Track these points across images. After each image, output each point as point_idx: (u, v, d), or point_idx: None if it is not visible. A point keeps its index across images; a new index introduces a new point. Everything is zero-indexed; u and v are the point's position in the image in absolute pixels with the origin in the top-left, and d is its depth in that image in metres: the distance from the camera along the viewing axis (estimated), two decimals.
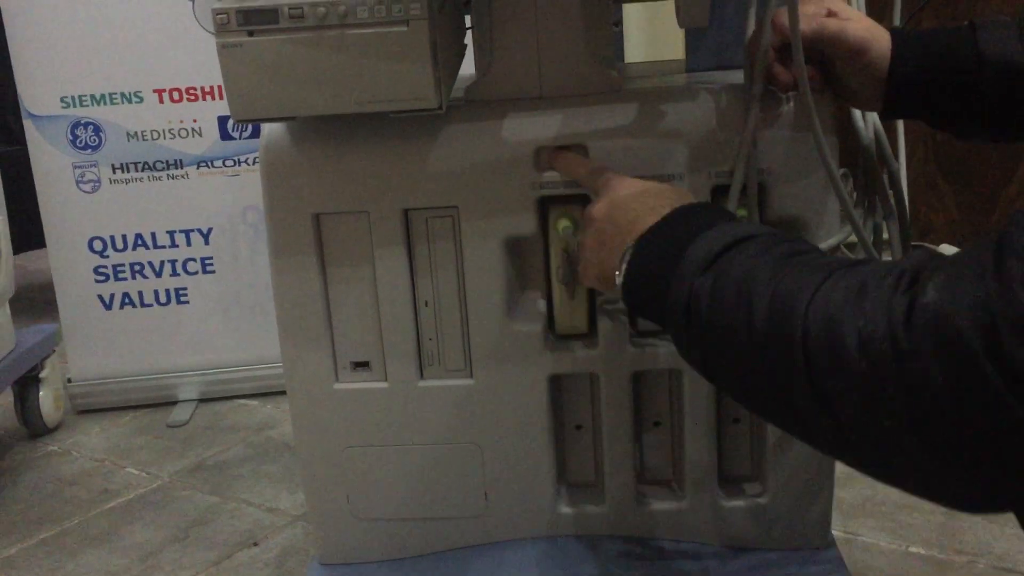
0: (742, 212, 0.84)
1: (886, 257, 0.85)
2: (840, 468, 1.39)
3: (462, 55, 0.98)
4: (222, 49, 0.77)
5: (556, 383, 0.93)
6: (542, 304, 0.92)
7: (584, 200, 0.87)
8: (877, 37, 0.78)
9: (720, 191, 0.86)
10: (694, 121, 0.85)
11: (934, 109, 0.79)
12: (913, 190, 2.01)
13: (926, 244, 2.04)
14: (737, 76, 0.86)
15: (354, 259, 0.90)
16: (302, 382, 0.93)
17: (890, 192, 0.87)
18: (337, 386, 0.93)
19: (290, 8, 0.77)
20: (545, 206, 0.88)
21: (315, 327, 0.91)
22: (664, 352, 0.90)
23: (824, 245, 0.84)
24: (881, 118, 0.84)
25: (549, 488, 0.95)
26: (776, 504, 0.93)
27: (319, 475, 0.95)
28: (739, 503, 0.94)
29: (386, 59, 0.77)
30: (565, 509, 0.95)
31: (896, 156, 0.89)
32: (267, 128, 0.88)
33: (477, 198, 0.87)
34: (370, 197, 0.87)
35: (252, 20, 0.77)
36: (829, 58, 0.80)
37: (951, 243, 1.99)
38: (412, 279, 0.90)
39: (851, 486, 1.35)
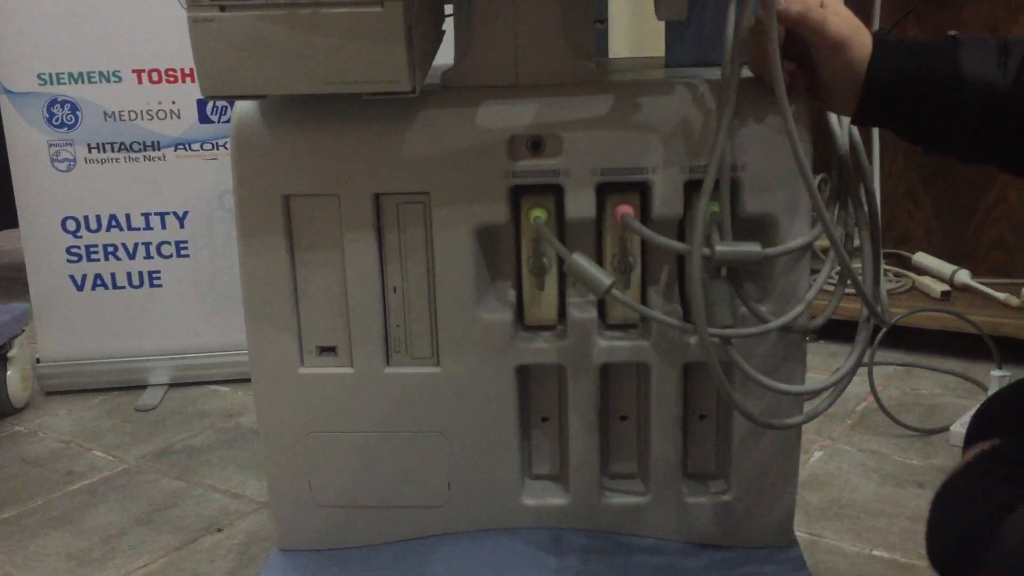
0: (714, 208, 0.84)
1: (856, 264, 0.85)
2: (807, 473, 1.39)
3: (439, 41, 0.97)
4: (193, 23, 0.76)
5: (523, 374, 0.93)
6: (511, 294, 0.91)
7: (556, 191, 0.87)
8: (859, 37, 0.78)
9: (694, 186, 0.85)
10: (670, 115, 0.85)
11: (906, 121, 0.79)
12: (892, 198, 2.02)
13: (901, 252, 2.05)
14: (716, 73, 0.86)
15: (323, 242, 0.89)
16: (267, 366, 0.92)
17: (863, 198, 0.87)
18: (302, 371, 0.92)
19: None
20: (518, 195, 0.88)
21: (282, 310, 0.90)
22: (633, 345, 0.90)
23: (796, 244, 0.84)
24: (852, 123, 0.84)
25: (513, 479, 0.94)
26: (740, 502, 0.93)
27: (281, 460, 0.94)
28: (703, 500, 0.94)
29: (359, 40, 0.76)
30: (529, 501, 0.95)
31: (871, 161, 0.89)
32: (239, 107, 0.87)
33: (449, 185, 0.86)
34: (341, 180, 0.87)
35: None
36: (810, 52, 0.79)
37: (928, 252, 2.00)
38: (381, 265, 0.89)
39: (818, 489, 1.35)
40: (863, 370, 1.61)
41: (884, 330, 1.63)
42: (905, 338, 1.83)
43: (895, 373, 1.78)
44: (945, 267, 1.93)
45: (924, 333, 1.82)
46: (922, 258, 1.98)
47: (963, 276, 1.89)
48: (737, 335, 0.83)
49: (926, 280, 1.92)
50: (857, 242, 0.87)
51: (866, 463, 1.44)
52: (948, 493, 0.72)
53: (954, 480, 0.74)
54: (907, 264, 2.01)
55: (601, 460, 0.94)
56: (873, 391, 1.58)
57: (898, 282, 1.96)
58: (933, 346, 1.84)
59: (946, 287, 1.88)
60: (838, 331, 1.19)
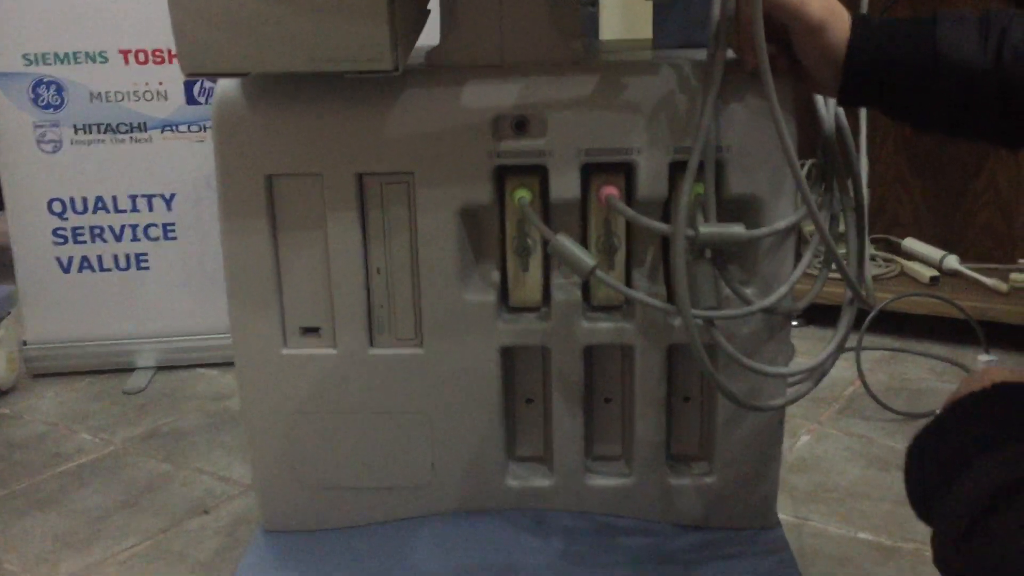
0: (699, 189, 0.84)
1: (841, 250, 0.84)
2: (794, 456, 1.40)
3: (423, 20, 0.97)
4: (173, 1, 0.76)
5: (508, 355, 0.93)
6: (496, 275, 0.91)
7: (541, 172, 0.87)
8: (836, 19, 0.77)
9: (678, 167, 0.85)
10: (655, 96, 0.84)
11: (888, 102, 0.78)
12: (881, 183, 2.02)
13: (890, 237, 2.04)
14: (703, 54, 0.85)
15: (306, 223, 0.89)
16: (250, 347, 0.91)
17: (849, 181, 0.87)
18: (285, 352, 0.91)
19: None
20: (502, 176, 0.87)
21: (265, 291, 0.90)
22: (617, 327, 0.89)
23: (780, 226, 0.84)
24: (839, 104, 0.83)
25: (497, 460, 0.94)
26: (723, 484, 0.93)
27: (265, 442, 0.94)
28: (686, 482, 0.94)
29: (341, 17, 0.75)
30: (512, 482, 0.95)
31: (857, 144, 0.89)
32: (221, 86, 0.86)
33: (433, 165, 0.86)
34: (324, 160, 0.86)
35: None
36: (789, 35, 0.79)
37: (916, 237, 2.00)
38: (365, 245, 0.89)
39: (804, 473, 1.36)
40: (851, 355, 1.62)
41: (872, 314, 1.63)
42: (893, 323, 1.83)
43: (883, 358, 1.79)
44: (934, 252, 1.93)
45: (912, 318, 1.82)
46: (911, 243, 1.98)
47: (952, 261, 1.89)
48: (720, 316, 0.83)
49: (915, 265, 1.92)
50: (842, 226, 0.87)
51: (852, 447, 1.44)
52: (925, 433, 0.72)
53: (930, 424, 0.74)
54: (896, 249, 2.01)
55: (585, 442, 0.94)
56: (860, 375, 1.58)
57: (887, 267, 1.96)
58: (921, 331, 1.85)
59: (935, 272, 1.88)
60: (826, 315, 1.19)
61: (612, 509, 0.95)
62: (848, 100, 0.80)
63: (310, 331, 0.92)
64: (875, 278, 1.91)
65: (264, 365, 0.91)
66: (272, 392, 0.92)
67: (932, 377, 1.70)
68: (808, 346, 1.79)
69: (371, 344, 0.91)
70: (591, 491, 0.94)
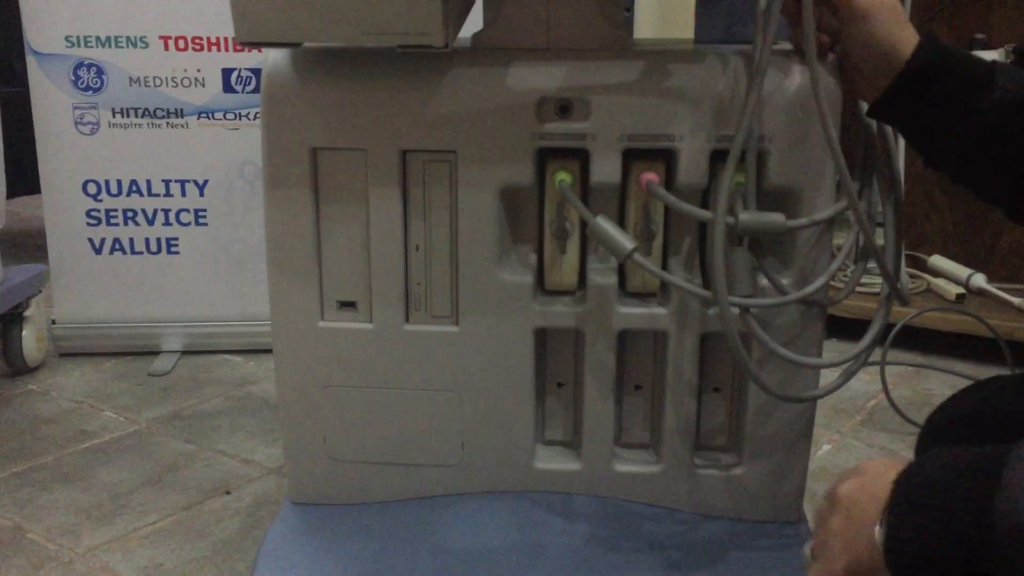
0: (739, 179, 0.84)
1: (879, 239, 0.85)
2: (815, 464, 1.39)
3: (472, 1, 0.98)
4: None
5: (541, 338, 0.93)
6: (533, 257, 0.92)
7: (582, 156, 0.87)
8: (885, 13, 0.78)
9: (719, 155, 0.86)
10: (699, 83, 0.85)
11: (926, 114, 0.78)
12: (910, 200, 2.02)
13: (917, 254, 2.04)
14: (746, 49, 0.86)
15: (348, 197, 0.89)
16: (287, 318, 0.92)
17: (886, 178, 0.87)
18: (322, 324, 0.92)
19: None
20: (544, 158, 0.88)
21: (304, 263, 0.91)
22: (651, 313, 0.90)
23: (820, 216, 0.84)
24: (871, 111, 0.82)
25: (526, 442, 0.94)
26: (750, 476, 0.93)
27: (297, 413, 0.95)
28: (714, 472, 0.94)
29: None
30: (540, 465, 0.95)
31: (896, 144, 0.89)
32: (270, 58, 0.87)
33: (476, 145, 0.87)
34: (369, 135, 0.87)
35: None
36: (837, 21, 0.80)
37: (943, 255, 1.99)
38: (405, 222, 0.90)
39: (825, 481, 1.35)
40: (875, 368, 1.61)
41: (897, 327, 1.63)
42: (918, 339, 1.82)
43: (906, 373, 1.78)
44: (961, 270, 1.92)
45: (937, 334, 1.81)
46: (938, 261, 1.98)
47: (978, 280, 1.89)
48: (757, 304, 0.84)
49: (941, 282, 1.92)
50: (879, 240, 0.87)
51: (874, 457, 1.43)
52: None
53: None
54: (923, 266, 2.01)
55: (614, 428, 0.94)
56: (884, 388, 1.57)
57: (913, 283, 1.95)
58: (945, 348, 1.84)
59: (961, 290, 1.88)
60: (849, 329, 1.19)
61: (638, 496, 0.95)
62: (887, 105, 0.80)
63: (347, 305, 0.92)
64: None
65: (300, 337, 0.92)
66: (307, 364, 0.93)
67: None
68: (830, 358, 1.79)
69: (407, 320, 0.92)
70: (618, 477, 0.94)
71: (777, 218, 0.82)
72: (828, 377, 0.90)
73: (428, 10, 0.77)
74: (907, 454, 1.44)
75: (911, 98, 0.78)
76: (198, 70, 1.72)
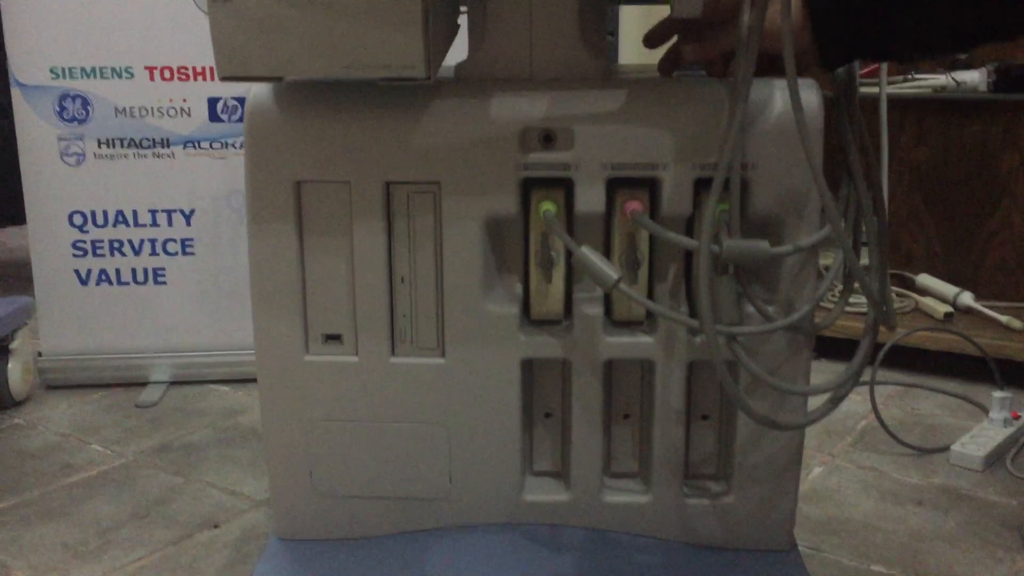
0: (723, 207, 0.84)
1: (863, 261, 0.85)
2: (807, 487, 1.39)
3: (454, 33, 0.98)
4: (212, 5, 0.77)
5: (528, 368, 0.93)
6: (519, 287, 0.91)
7: (566, 185, 0.87)
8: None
9: (703, 184, 0.86)
10: (681, 112, 0.85)
11: (863, 21, 0.76)
12: (896, 219, 2.03)
13: (905, 273, 2.05)
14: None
15: (333, 230, 0.89)
16: (272, 352, 0.92)
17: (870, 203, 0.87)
18: (307, 358, 0.92)
19: None
20: (528, 188, 0.88)
21: (289, 297, 0.90)
22: (638, 342, 0.90)
23: (804, 243, 0.84)
24: (822, 64, 0.81)
25: (515, 474, 0.94)
26: (740, 504, 0.93)
27: (283, 448, 0.94)
28: (703, 501, 0.93)
29: (377, 24, 0.76)
30: (529, 496, 0.95)
31: (879, 169, 0.89)
32: (253, 91, 0.87)
33: (460, 176, 0.87)
34: (353, 167, 0.87)
35: None
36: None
37: (931, 273, 2.00)
38: (390, 254, 0.89)
39: (817, 504, 1.35)
40: (865, 389, 1.61)
41: (886, 348, 1.63)
42: (907, 359, 1.82)
43: (896, 393, 1.78)
44: (948, 289, 1.93)
45: (926, 354, 1.82)
46: (925, 280, 1.98)
47: (966, 298, 1.89)
48: (743, 332, 0.83)
49: (929, 301, 1.92)
50: (864, 259, 0.87)
51: (865, 479, 1.43)
52: None
53: None
54: (911, 285, 2.01)
55: (603, 458, 0.94)
56: (875, 409, 1.57)
57: (901, 303, 1.96)
58: (935, 367, 1.84)
59: (949, 309, 1.88)
60: (839, 349, 1.19)
61: (628, 527, 0.94)
62: (829, 52, 0.79)
63: (332, 338, 0.92)
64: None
65: (286, 371, 0.92)
66: (292, 398, 0.92)
67: (945, 413, 1.69)
68: (821, 379, 1.79)
69: (393, 353, 0.91)
70: (608, 508, 0.94)
71: (761, 246, 0.82)
72: (818, 401, 0.90)
73: (410, 43, 0.77)
74: (898, 475, 1.44)
75: (838, 22, 0.77)
76: (184, 100, 1.72)
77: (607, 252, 0.90)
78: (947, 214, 2.00)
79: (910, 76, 1.84)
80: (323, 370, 0.91)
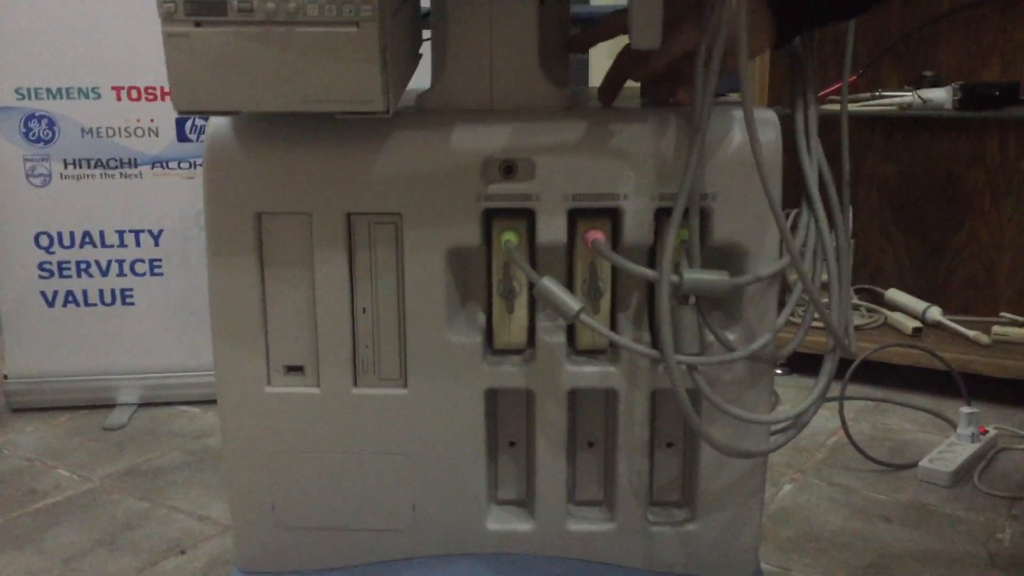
0: (683, 235, 0.84)
1: (824, 299, 0.85)
2: (776, 505, 1.39)
3: (415, 64, 0.98)
4: (168, 39, 0.76)
5: (492, 398, 0.93)
6: (481, 317, 0.91)
7: (528, 215, 0.87)
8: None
9: (664, 213, 0.86)
10: (641, 142, 0.85)
11: None
12: (866, 234, 2.05)
13: (874, 287, 2.06)
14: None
15: (294, 261, 0.89)
16: (233, 384, 0.91)
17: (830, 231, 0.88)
18: (269, 390, 0.91)
19: (239, 1, 0.76)
20: (490, 218, 0.88)
21: (250, 328, 0.90)
22: (601, 371, 0.90)
23: (763, 273, 0.85)
24: (779, 45, 0.84)
25: (479, 504, 0.93)
26: (704, 531, 0.93)
27: (245, 480, 0.93)
28: (668, 528, 0.93)
29: (334, 59, 0.76)
30: (494, 526, 0.94)
31: (841, 196, 0.89)
32: (213, 123, 0.87)
33: (421, 207, 0.86)
34: (313, 199, 0.87)
35: (199, 11, 0.76)
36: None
37: (901, 289, 2.01)
38: (351, 285, 0.89)
39: (787, 522, 1.36)
40: (834, 405, 1.62)
41: (855, 364, 1.64)
42: (876, 374, 1.84)
43: (865, 408, 1.79)
44: (917, 304, 1.94)
45: (895, 369, 1.83)
46: (894, 294, 2.00)
47: (934, 313, 1.91)
48: (703, 363, 0.84)
49: (898, 316, 1.94)
50: (825, 276, 0.87)
51: (835, 496, 1.44)
52: None
53: None
54: (880, 300, 2.03)
55: (568, 486, 0.94)
56: (844, 425, 1.58)
57: (870, 318, 1.97)
58: (904, 382, 1.86)
59: (918, 323, 1.90)
60: (810, 364, 1.20)
61: (593, 555, 0.94)
62: (786, 26, 0.80)
63: (294, 369, 0.91)
64: (858, 328, 1.92)
65: (247, 403, 0.91)
66: (254, 430, 0.92)
67: (915, 428, 1.70)
68: (792, 395, 1.80)
69: (355, 384, 0.91)
70: (573, 536, 0.94)
71: (721, 277, 0.82)
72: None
73: (367, 78, 0.77)
74: (867, 492, 1.45)
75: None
76: (151, 120, 1.71)
77: (569, 281, 0.90)
78: (916, 229, 2.02)
79: (877, 93, 1.86)
80: (285, 402, 0.91)
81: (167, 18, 0.76)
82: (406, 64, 0.91)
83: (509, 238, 0.87)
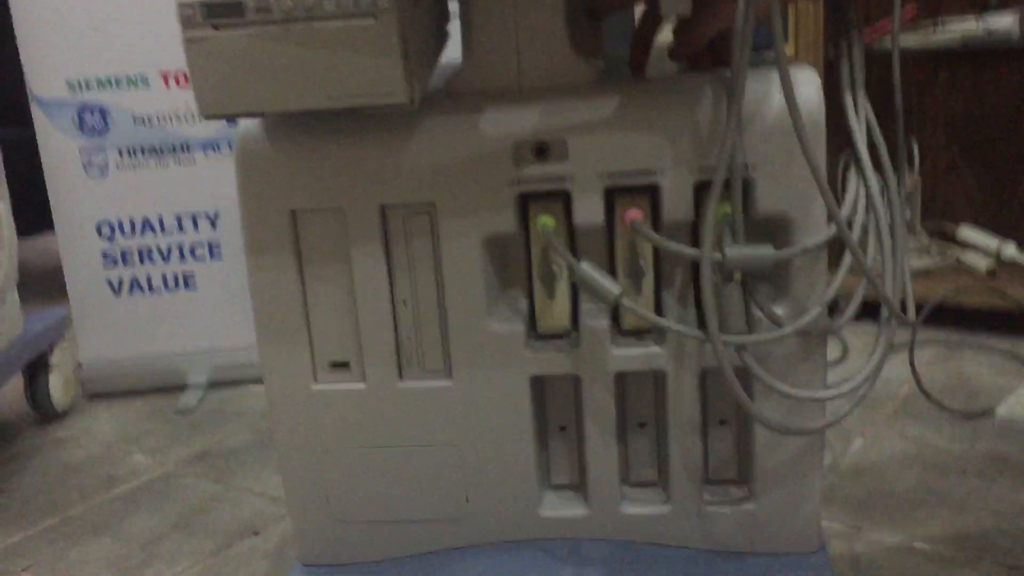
0: (724, 209, 0.81)
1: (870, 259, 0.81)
2: (847, 462, 1.36)
3: (442, 46, 0.95)
4: (188, 44, 0.76)
5: (538, 383, 0.91)
6: (523, 302, 0.90)
7: (564, 197, 0.85)
8: None
9: (704, 187, 0.83)
10: (677, 114, 0.82)
11: None
12: (933, 172, 1.96)
13: (944, 223, 1.99)
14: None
15: (331, 257, 0.88)
16: (281, 383, 0.92)
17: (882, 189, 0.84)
18: (315, 387, 0.91)
19: (256, 1, 0.75)
20: (525, 203, 0.86)
21: (293, 327, 0.90)
22: (647, 353, 0.88)
23: (809, 244, 0.81)
24: None
25: (531, 490, 0.93)
26: (763, 508, 0.91)
27: (299, 476, 0.94)
28: (725, 507, 0.92)
29: (354, 53, 0.75)
30: (548, 512, 0.94)
31: (897, 147, 0.85)
32: (242, 124, 0.86)
33: (455, 195, 0.85)
34: (346, 193, 0.86)
35: (217, 13, 0.75)
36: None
37: (971, 223, 1.94)
38: (390, 277, 0.88)
39: (858, 479, 1.33)
40: (906, 352, 1.57)
41: (927, 308, 1.58)
42: (950, 315, 1.78)
43: (938, 354, 1.74)
44: (990, 240, 1.87)
45: (970, 310, 1.77)
46: (966, 231, 1.92)
47: (1009, 249, 1.83)
48: (751, 341, 0.81)
49: (970, 255, 1.87)
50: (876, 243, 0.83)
51: (908, 451, 1.40)
52: None
53: None
54: (951, 238, 1.96)
55: (620, 468, 0.93)
56: (915, 375, 1.53)
57: (941, 259, 1.90)
58: (980, 323, 1.79)
59: (991, 262, 1.82)
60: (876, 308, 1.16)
61: (649, 537, 0.93)
62: None
63: (339, 365, 0.91)
64: (929, 271, 1.86)
65: (295, 400, 0.92)
66: (304, 427, 0.92)
67: (991, 373, 1.65)
68: (863, 342, 1.75)
69: (400, 377, 0.90)
70: (627, 519, 0.93)
71: (766, 251, 0.79)
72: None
73: (390, 70, 0.75)
74: (942, 444, 1.41)
75: None
76: None
77: (610, 262, 0.88)
78: (985, 163, 1.93)
79: (939, 22, 1.77)
80: (332, 398, 0.91)
81: (186, 23, 0.75)
82: (431, 48, 0.89)
83: (545, 222, 0.85)
